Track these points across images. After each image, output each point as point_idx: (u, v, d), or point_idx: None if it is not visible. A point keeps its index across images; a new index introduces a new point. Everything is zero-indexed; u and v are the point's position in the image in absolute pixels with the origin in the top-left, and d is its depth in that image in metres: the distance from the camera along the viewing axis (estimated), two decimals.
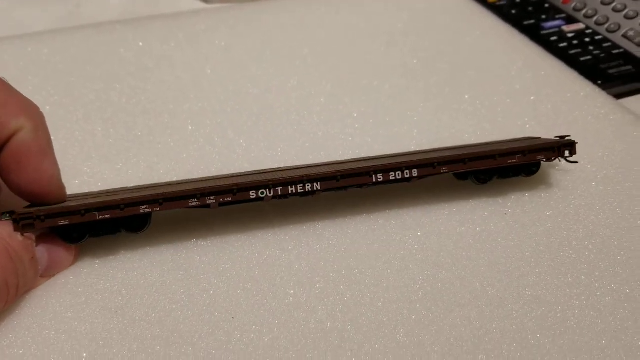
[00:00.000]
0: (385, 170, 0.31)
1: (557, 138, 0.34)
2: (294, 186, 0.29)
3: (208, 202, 0.29)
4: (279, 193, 0.29)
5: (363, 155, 0.36)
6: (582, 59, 0.47)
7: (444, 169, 0.31)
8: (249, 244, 0.31)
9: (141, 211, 0.28)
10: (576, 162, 0.34)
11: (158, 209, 0.28)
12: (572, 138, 0.34)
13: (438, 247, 0.31)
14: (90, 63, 0.43)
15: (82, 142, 0.36)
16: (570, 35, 0.50)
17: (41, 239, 0.28)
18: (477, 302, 0.28)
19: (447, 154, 0.32)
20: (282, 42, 0.46)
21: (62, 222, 0.27)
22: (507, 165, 0.32)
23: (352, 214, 0.32)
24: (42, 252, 0.28)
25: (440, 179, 0.33)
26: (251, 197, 0.29)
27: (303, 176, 0.29)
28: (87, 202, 0.28)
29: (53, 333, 0.26)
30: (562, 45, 0.48)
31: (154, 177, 0.34)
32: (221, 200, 0.29)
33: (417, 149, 0.37)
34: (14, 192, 0.28)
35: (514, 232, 0.31)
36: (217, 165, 0.35)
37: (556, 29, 0.50)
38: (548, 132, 0.38)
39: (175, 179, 0.34)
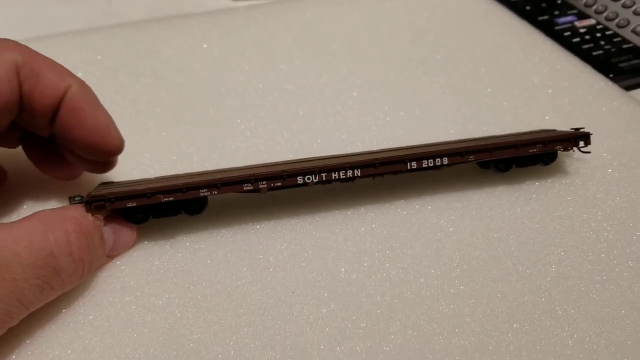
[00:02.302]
0: (419, 158, 0.34)
1: (573, 130, 0.37)
2: (337, 172, 0.33)
3: (260, 186, 0.32)
4: (323, 179, 0.32)
5: (395, 146, 0.39)
6: (594, 53, 0.50)
7: (471, 158, 0.34)
8: (300, 227, 0.34)
9: (201, 194, 0.31)
10: (589, 152, 0.37)
11: (216, 192, 0.31)
12: (589, 129, 0.37)
13: (471, 229, 0.34)
14: (134, 60, 0.46)
15: (137, 136, 0.39)
16: (582, 30, 0.52)
17: (107, 220, 0.30)
18: (510, 278, 0.31)
19: (473, 144, 0.35)
20: (311, 38, 0.49)
21: (130, 204, 0.30)
22: (527, 155, 0.35)
23: (390, 200, 0.35)
24: (109, 232, 0.30)
25: (466, 169, 0.37)
26: (298, 182, 0.32)
27: (345, 163, 0.33)
28: (152, 185, 0.30)
29: (134, 307, 0.29)
30: (575, 40, 0.51)
31: (208, 167, 0.37)
32: (272, 184, 0.32)
33: (445, 140, 0.40)
34: (79, 150, 0.31)
35: (539, 215, 0.35)
36: (263, 156, 0.38)
37: (569, 25, 0.53)
38: (567, 124, 0.41)
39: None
